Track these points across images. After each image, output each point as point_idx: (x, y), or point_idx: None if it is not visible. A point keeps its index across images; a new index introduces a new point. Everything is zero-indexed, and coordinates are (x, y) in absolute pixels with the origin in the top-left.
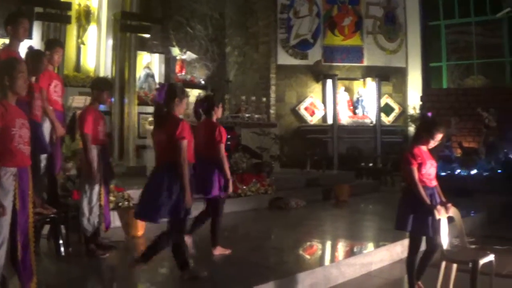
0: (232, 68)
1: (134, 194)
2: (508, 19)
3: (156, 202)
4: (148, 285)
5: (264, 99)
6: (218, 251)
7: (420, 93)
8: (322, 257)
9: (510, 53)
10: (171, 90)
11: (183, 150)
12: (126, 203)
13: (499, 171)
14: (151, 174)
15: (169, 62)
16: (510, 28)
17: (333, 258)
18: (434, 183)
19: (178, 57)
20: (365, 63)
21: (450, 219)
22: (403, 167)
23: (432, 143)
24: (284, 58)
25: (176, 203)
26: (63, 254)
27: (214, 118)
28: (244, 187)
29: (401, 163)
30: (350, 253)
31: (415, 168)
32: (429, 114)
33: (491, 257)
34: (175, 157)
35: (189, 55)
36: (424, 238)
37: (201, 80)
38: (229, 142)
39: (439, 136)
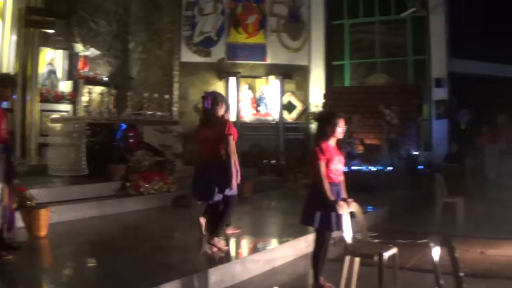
0: (135, 65)
1: (37, 193)
2: (412, 18)
3: (213, 186)
4: (53, 286)
5: (167, 96)
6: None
7: (322, 91)
8: (226, 254)
9: (413, 52)
10: (215, 97)
11: (230, 143)
12: (29, 202)
13: (401, 167)
14: (204, 165)
15: (72, 58)
16: (413, 27)
17: (237, 255)
18: (341, 178)
19: (81, 54)
20: (269, 61)
21: (353, 214)
22: (311, 162)
23: (340, 133)
24: (188, 55)
25: (229, 184)
26: None
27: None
28: (147, 185)
29: (310, 158)
30: (254, 250)
31: (323, 163)
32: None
33: (394, 251)
34: (226, 149)
35: (92, 52)
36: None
37: (103, 77)
38: (131, 140)
39: (342, 122)
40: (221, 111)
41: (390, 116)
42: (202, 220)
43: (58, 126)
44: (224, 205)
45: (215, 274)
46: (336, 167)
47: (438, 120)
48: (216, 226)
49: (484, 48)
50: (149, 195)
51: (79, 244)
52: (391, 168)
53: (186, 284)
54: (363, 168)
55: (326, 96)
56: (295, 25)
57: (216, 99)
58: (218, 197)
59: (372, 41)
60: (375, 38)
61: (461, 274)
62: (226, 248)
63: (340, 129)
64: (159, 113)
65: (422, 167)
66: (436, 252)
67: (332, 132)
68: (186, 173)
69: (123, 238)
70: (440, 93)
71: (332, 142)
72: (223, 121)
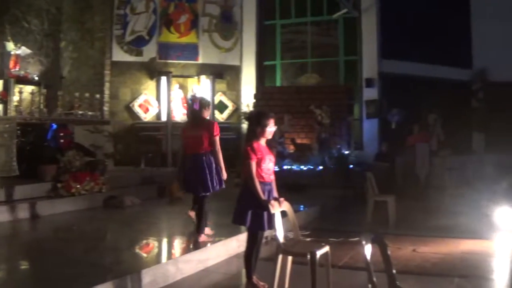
0: (66, 64)
1: None
2: (344, 20)
3: (204, 179)
4: None
5: (98, 96)
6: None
7: (254, 91)
8: (159, 254)
9: (345, 53)
10: (202, 101)
11: (218, 143)
12: None
13: (332, 166)
14: (192, 160)
15: (3, 57)
16: (345, 28)
17: (170, 255)
18: (272, 177)
19: (12, 52)
20: (200, 60)
21: (284, 213)
22: (243, 161)
23: (269, 132)
24: (119, 55)
25: (218, 178)
26: None
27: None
28: (78, 186)
29: (242, 158)
30: (186, 250)
31: (253, 163)
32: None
33: (326, 249)
34: (212, 147)
35: (23, 50)
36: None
37: (34, 76)
38: (62, 140)
39: (271, 122)
40: (206, 114)
41: (321, 116)
42: (192, 213)
43: None
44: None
45: (148, 275)
46: (267, 166)
47: (369, 119)
48: (200, 224)
49: (415, 49)
50: (80, 196)
51: (11, 246)
52: (322, 167)
53: (119, 285)
54: (294, 167)
55: (256, 96)
56: (227, 25)
57: (203, 103)
58: (212, 188)
59: (304, 41)
60: (307, 39)
61: (393, 271)
62: (212, 232)
63: (270, 129)
64: (90, 113)
65: (353, 166)
66: (368, 250)
67: (262, 132)
68: (117, 173)
69: (55, 239)
70: (370, 93)
71: (262, 141)
72: (210, 123)
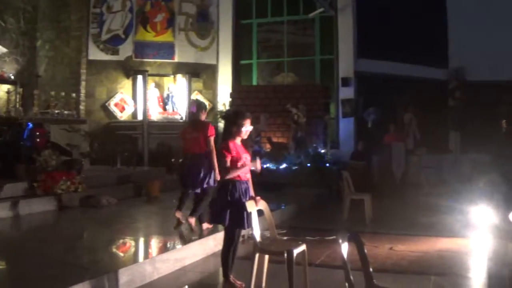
0: (42, 63)
1: None
2: (320, 19)
3: (201, 176)
4: None
5: (74, 94)
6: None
7: (230, 90)
8: (136, 254)
9: (321, 52)
10: (199, 105)
11: (212, 143)
12: None
13: (308, 164)
14: (190, 159)
15: None
16: (322, 27)
17: (146, 255)
18: (248, 176)
19: None
20: (176, 59)
21: (260, 212)
22: (218, 160)
23: (245, 132)
24: (95, 53)
25: (211, 176)
26: None
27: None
28: (55, 185)
29: (217, 157)
30: (163, 249)
31: (228, 160)
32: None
33: (303, 247)
34: (208, 147)
35: None
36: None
37: (10, 75)
38: (38, 139)
39: (247, 122)
40: (203, 116)
41: (297, 115)
42: (179, 214)
43: None
44: (201, 194)
45: (124, 275)
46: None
47: (345, 118)
48: (194, 209)
49: (391, 48)
50: (57, 195)
51: None
52: (298, 166)
53: (97, 285)
54: (271, 166)
55: (232, 95)
56: (203, 24)
57: (200, 106)
58: (206, 184)
59: (280, 40)
60: (283, 38)
61: (370, 269)
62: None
63: (246, 129)
64: (66, 112)
65: (329, 165)
66: (344, 249)
67: (237, 132)
68: (94, 172)
69: (32, 239)
70: (346, 92)
71: (238, 140)
72: (206, 124)
